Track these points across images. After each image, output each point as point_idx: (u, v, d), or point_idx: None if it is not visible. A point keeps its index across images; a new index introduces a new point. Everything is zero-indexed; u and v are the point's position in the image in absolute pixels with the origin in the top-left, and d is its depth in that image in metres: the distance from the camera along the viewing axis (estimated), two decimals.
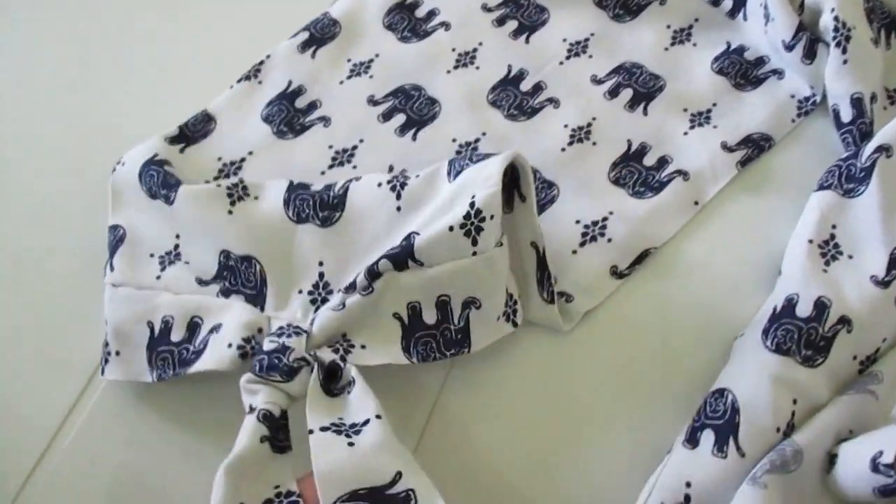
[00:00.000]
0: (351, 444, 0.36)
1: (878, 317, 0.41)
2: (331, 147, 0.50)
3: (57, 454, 0.42)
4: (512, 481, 0.41)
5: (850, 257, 0.43)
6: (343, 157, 0.50)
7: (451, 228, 0.39)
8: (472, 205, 0.39)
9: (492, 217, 0.39)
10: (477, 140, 0.50)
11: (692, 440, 0.39)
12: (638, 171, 0.49)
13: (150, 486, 0.41)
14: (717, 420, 0.39)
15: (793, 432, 0.38)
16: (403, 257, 0.39)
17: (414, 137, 0.50)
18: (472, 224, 0.39)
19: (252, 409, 0.38)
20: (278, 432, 0.39)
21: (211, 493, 0.39)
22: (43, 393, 0.44)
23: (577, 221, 0.47)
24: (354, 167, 0.49)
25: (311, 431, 0.37)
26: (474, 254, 0.39)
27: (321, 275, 0.43)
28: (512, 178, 0.41)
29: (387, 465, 0.36)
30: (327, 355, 0.40)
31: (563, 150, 0.49)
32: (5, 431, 0.43)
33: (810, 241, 0.43)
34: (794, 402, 0.39)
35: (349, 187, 0.43)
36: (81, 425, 0.43)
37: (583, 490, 0.40)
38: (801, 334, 0.40)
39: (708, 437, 0.39)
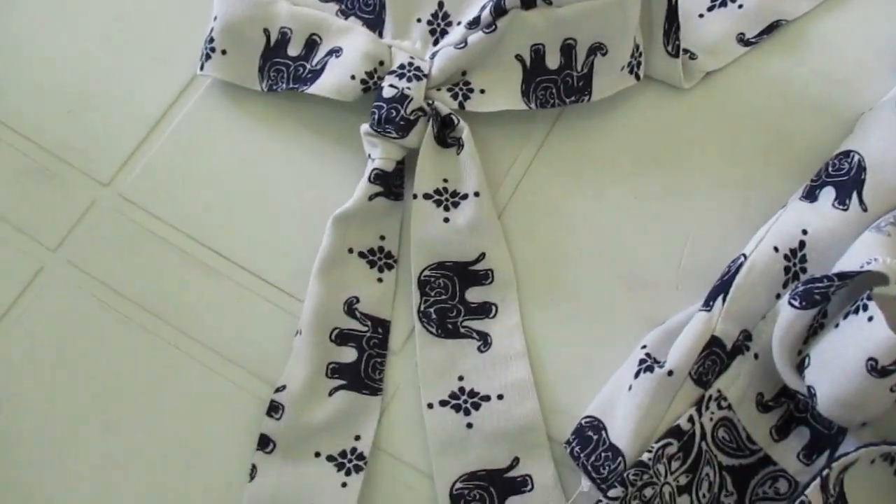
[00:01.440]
0: (446, 219, 0.39)
1: None
2: None
3: (155, 144, 0.42)
4: (613, 225, 0.40)
5: None
6: None
7: None
8: None
9: None
10: None
11: (810, 196, 0.38)
12: None
13: (246, 186, 0.41)
14: (841, 177, 0.38)
15: None
16: None
17: None
18: None
19: (371, 158, 0.39)
20: (391, 183, 0.39)
21: (309, 197, 0.41)
22: (146, 84, 0.43)
23: None
24: None
25: (414, 196, 0.39)
26: None
27: (441, 4, 0.42)
28: None
29: (474, 244, 0.39)
30: (445, 103, 0.40)
31: None
32: (107, 116, 0.43)
33: None
34: None
35: None
36: (181, 119, 0.42)
37: (687, 239, 0.40)
38: None
39: (828, 193, 0.38)
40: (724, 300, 0.36)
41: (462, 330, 0.38)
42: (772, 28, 0.44)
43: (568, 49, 0.39)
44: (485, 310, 0.38)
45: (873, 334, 0.31)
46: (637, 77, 0.41)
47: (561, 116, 0.42)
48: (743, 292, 0.36)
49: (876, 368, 0.31)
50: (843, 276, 0.33)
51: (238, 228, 0.40)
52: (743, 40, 0.43)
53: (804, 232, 0.37)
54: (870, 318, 0.32)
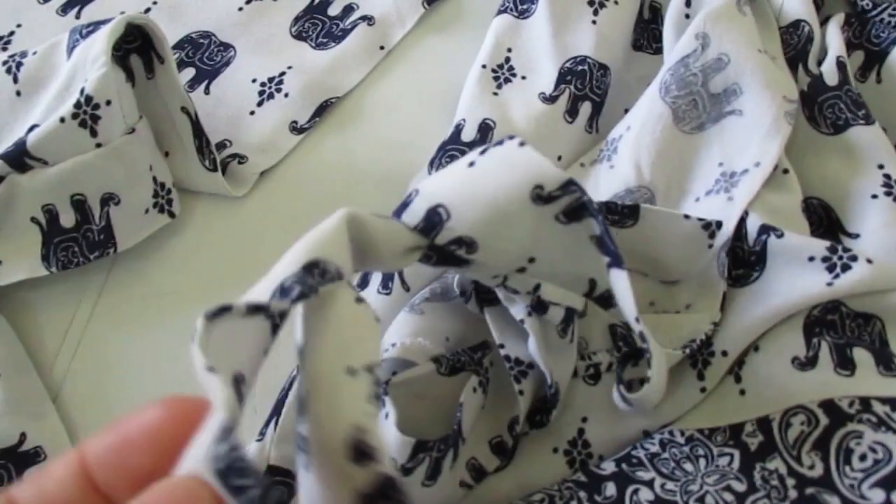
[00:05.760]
0: None
1: (545, 132, 0.39)
2: None
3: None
4: (184, 362, 0.38)
5: (524, 78, 0.41)
6: None
7: (62, 120, 0.35)
8: (81, 91, 0.35)
9: (108, 103, 0.36)
10: (147, 9, 0.46)
11: (363, 283, 0.37)
12: (322, 23, 0.46)
13: None
14: None
15: None
16: (19, 156, 0.36)
17: (77, 15, 0.46)
18: (86, 113, 0.35)
19: None
20: None
21: None
22: None
23: (254, 80, 0.44)
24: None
25: None
26: (98, 145, 0.36)
27: None
28: (146, 42, 0.38)
29: (11, 428, 0.36)
30: None
31: (241, 9, 0.46)
32: None
33: (483, 66, 0.42)
34: None
35: None
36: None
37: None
38: None
39: (375, 279, 0.37)
40: (276, 425, 0.34)
41: None
42: (323, 109, 0.43)
43: (79, 205, 0.37)
44: None
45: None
46: (171, 214, 0.39)
47: (118, 256, 0.40)
48: (292, 409, 0.35)
49: None
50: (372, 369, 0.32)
51: None
52: (296, 128, 0.43)
53: None
54: (387, 416, 0.31)
